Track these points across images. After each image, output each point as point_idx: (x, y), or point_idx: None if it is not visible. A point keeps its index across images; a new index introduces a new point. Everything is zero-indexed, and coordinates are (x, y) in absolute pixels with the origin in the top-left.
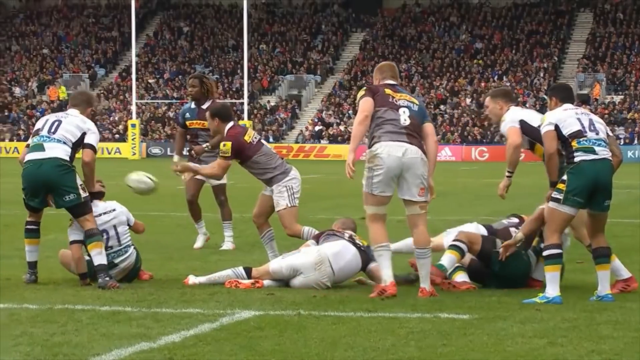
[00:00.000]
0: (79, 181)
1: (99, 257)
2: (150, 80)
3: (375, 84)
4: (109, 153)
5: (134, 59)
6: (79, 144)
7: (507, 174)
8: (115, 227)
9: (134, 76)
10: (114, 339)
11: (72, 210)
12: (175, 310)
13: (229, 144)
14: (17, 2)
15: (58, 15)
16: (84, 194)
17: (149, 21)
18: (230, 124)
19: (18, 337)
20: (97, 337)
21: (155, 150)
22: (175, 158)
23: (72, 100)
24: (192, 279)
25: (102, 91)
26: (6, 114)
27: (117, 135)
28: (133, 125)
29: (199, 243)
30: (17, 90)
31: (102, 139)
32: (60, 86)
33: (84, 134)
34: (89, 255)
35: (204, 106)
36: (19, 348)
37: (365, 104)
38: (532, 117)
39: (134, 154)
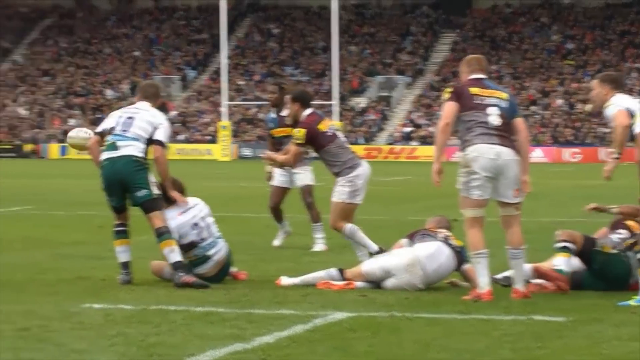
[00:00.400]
0: (152, 178)
1: (173, 255)
2: (240, 82)
3: (461, 84)
4: (200, 154)
5: (223, 60)
6: (152, 139)
7: (614, 155)
8: (203, 218)
9: (224, 78)
10: (208, 339)
11: (144, 205)
12: (268, 311)
13: (303, 130)
14: (108, 4)
15: (149, 18)
16: (156, 191)
17: (239, 23)
18: (309, 110)
19: (113, 337)
20: (191, 338)
21: (247, 152)
22: (268, 169)
23: (142, 92)
24: (284, 280)
25: (193, 93)
26: (98, 116)
27: (208, 137)
28: (224, 127)
29: (277, 241)
30: (109, 93)
31: (194, 141)
32: None
33: (155, 129)
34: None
35: (283, 113)
36: (115, 348)
37: (448, 110)
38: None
39: (225, 155)
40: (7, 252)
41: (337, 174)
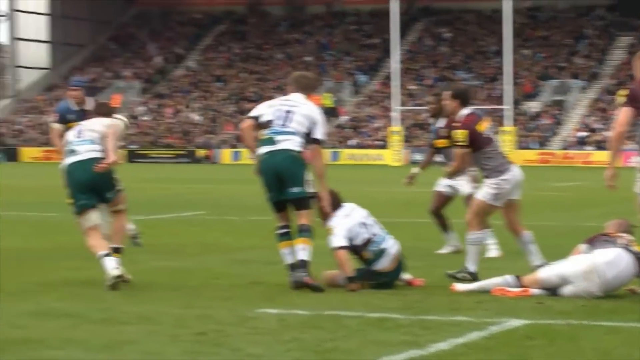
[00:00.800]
0: (308, 176)
1: (302, 253)
2: (411, 87)
3: (635, 86)
4: (372, 160)
5: (395, 65)
6: (309, 134)
7: None
8: (366, 217)
9: (395, 83)
10: (384, 345)
11: (295, 202)
12: (442, 318)
13: (465, 132)
14: (280, 10)
15: (320, 23)
16: (309, 189)
17: (411, 27)
18: (468, 110)
19: (289, 342)
20: (367, 344)
21: (418, 157)
22: (414, 170)
23: (296, 83)
24: (459, 286)
25: (364, 98)
26: None
27: (379, 142)
28: (395, 132)
29: (444, 250)
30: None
31: (365, 146)
32: (324, 93)
33: (313, 123)
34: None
35: (439, 124)
36: (291, 354)
37: (623, 116)
38: None
39: (397, 160)
40: (181, 257)
41: (487, 177)
